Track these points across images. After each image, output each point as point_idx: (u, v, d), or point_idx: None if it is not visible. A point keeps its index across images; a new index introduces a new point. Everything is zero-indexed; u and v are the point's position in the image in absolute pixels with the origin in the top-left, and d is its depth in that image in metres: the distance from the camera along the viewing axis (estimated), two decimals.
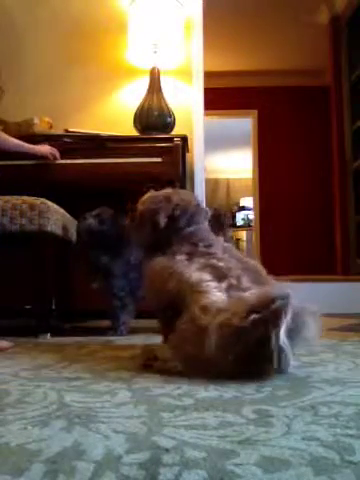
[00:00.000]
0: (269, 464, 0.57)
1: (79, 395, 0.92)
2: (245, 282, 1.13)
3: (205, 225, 1.39)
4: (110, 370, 1.15)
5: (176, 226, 1.34)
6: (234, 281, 1.13)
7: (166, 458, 0.59)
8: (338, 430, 0.70)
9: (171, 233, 1.34)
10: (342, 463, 0.58)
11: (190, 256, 1.25)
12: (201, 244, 1.29)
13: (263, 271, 1.24)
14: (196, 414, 0.78)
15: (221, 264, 1.19)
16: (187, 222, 1.35)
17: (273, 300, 0.96)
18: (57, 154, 2.32)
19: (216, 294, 1.10)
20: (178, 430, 0.70)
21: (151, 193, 1.48)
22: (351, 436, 0.67)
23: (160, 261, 1.29)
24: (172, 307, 1.22)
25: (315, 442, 0.65)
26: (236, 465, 0.57)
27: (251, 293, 1.07)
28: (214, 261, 1.20)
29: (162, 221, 1.34)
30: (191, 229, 1.34)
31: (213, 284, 1.13)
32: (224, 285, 1.13)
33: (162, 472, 0.55)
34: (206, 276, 1.16)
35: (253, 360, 1.00)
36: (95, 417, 0.77)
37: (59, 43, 2.94)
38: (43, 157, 2.28)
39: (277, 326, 0.95)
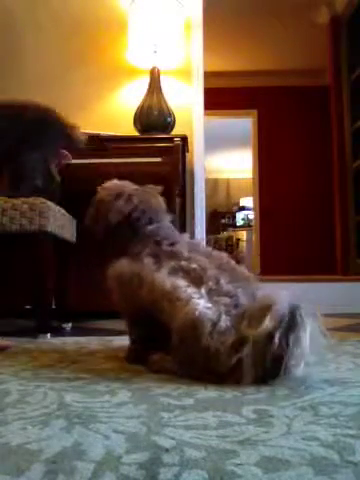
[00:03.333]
0: (269, 464, 0.57)
1: (79, 395, 0.92)
2: (224, 284, 1.09)
3: (167, 223, 1.33)
4: (110, 370, 1.15)
5: (134, 225, 1.28)
6: (213, 285, 1.08)
7: (166, 458, 0.59)
8: (338, 430, 0.70)
9: (129, 232, 1.28)
10: (342, 463, 0.58)
11: (156, 258, 1.18)
12: (165, 242, 1.23)
13: (236, 265, 1.20)
14: (196, 414, 0.78)
15: (194, 266, 1.13)
16: (148, 220, 1.29)
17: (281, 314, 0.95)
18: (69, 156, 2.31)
19: (198, 302, 1.04)
20: (178, 430, 0.70)
21: (111, 183, 1.41)
22: (351, 436, 0.67)
23: (125, 264, 1.22)
24: (146, 316, 1.18)
25: (315, 442, 0.65)
26: (236, 465, 0.57)
27: (250, 306, 1.02)
28: (184, 263, 1.14)
29: (113, 219, 1.28)
30: (152, 227, 1.28)
31: (191, 290, 1.07)
32: (203, 291, 1.07)
33: (162, 472, 0.55)
34: (181, 282, 1.10)
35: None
36: (95, 417, 0.77)
37: (59, 43, 2.94)
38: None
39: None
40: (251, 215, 7.62)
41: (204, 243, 1.28)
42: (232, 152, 8.61)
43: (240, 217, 9.54)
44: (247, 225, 8.87)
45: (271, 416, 0.77)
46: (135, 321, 1.26)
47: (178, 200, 2.44)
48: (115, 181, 1.43)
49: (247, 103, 5.91)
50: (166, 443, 0.65)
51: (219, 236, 9.07)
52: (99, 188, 1.43)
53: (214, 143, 6.61)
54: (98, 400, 0.88)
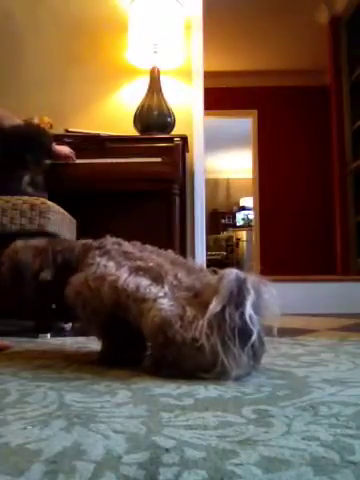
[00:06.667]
0: (269, 464, 0.57)
1: (79, 395, 0.92)
2: (183, 278, 1.10)
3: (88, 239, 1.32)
4: (110, 370, 1.15)
5: (67, 263, 1.26)
6: (173, 280, 1.09)
7: (166, 458, 0.59)
8: (338, 430, 0.70)
9: (68, 269, 1.25)
10: (342, 463, 0.58)
11: (107, 255, 1.18)
12: (107, 244, 1.22)
13: (186, 259, 1.22)
14: (196, 414, 0.78)
15: (151, 264, 1.13)
16: (69, 248, 1.28)
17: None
18: (73, 155, 2.35)
19: (162, 302, 1.05)
20: (178, 430, 0.70)
21: (18, 246, 1.37)
22: (351, 436, 0.67)
23: (78, 276, 1.19)
24: (114, 320, 1.17)
25: (315, 442, 0.65)
26: (236, 465, 0.57)
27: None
28: (140, 263, 1.14)
29: (48, 276, 1.26)
30: (79, 244, 1.27)
31: (154, 289, 1.08)
32: (166, 287, 1.08)
33: (162, 472, 0.55)
34: (143, 281, 1.10)
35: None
36: (95, 417, 0.77)
37: (59, 43, 2.94)
38: (61, 157, 2.29)
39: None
40: (251, 215, 7.62)
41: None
42: (232, 152, 8.61)
43: (240, 217, 9.54)
44: (247, 225, 8.88)
45: (271, 416, 0.77)
46: (102, 324, 1.24)
47: (178, 200, 2.44)
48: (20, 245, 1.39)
49: (247, 103, 5.91)
50: (166, 443, 0.65)
51: (219, 236, 9.07)
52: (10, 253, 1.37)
53: (214, 143, 6.61)
54: (98, 400, 0.88)
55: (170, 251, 1.24)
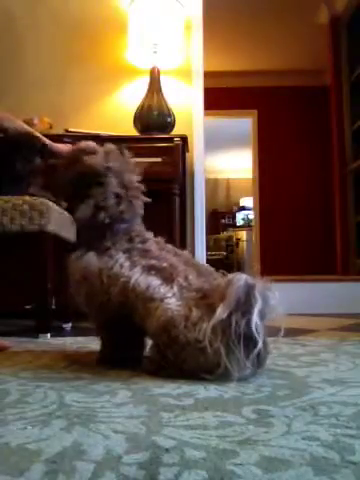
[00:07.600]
0: (269, 464, 0.57)
1: (79, 395, 0.92)
2: (193, 280, 1.10)
3: (139, 221, 1.28)
4: (110, 370, 1.15)
5: (113, 220, 1.20)
6: (183, 281, 1.10)
7: (166, 458, 0.59)
8: (338, 430, 0.70)
9: (105, 226, 1.20)
10: (342, 463, 0.58)
11: (129, 254, 1.17)
12: (137, 240, 1.21)
13: (198, 261, 1.22)
14: (196, 414, 0.78)
15: (164, 265, 1.13)
16: (127, 219, 1.23)
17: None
18: None
19: (170, 302, 1.06)
20: (178, 430, 0.70)
21: (99, 154, 1.23)
22: (351, 436, 0.67)
23: (93, 259, 1.17)
24: (115, 317, 1.17)
25: (315, 442, 0.65)
26: (236, 465, 0.57)
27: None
28: (154, 262, 1.14)
29: (106, 219, 1.19)
30: (126, 225, 1.23)
31: (163, 289, 1.09)
32: (175, 288, 1.08)
33: (162, 472, 0.55)
34: (153, 280, 1.10)
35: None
36: (95, 417, 0.77)
37: (59, 43, 2.94)
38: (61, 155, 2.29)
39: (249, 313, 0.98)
40: (251, 215, 7.61)
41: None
42: (232, 152, 8.61)
43: (240, 217, 9.54)
44: (247, 225, 8.87)
45: (271, 416, 0.77)
46: (104, 322, 1.24)
47: (178, 200, 2.44)
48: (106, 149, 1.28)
49: (247, 103, 5.91)
50: (166, 443, 0.65)
51: (219, 236, 9.07)
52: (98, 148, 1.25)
53: (214, 143, 6.61)
54: (98, 400, 0.88)
55: (186, 252, 1.24)
